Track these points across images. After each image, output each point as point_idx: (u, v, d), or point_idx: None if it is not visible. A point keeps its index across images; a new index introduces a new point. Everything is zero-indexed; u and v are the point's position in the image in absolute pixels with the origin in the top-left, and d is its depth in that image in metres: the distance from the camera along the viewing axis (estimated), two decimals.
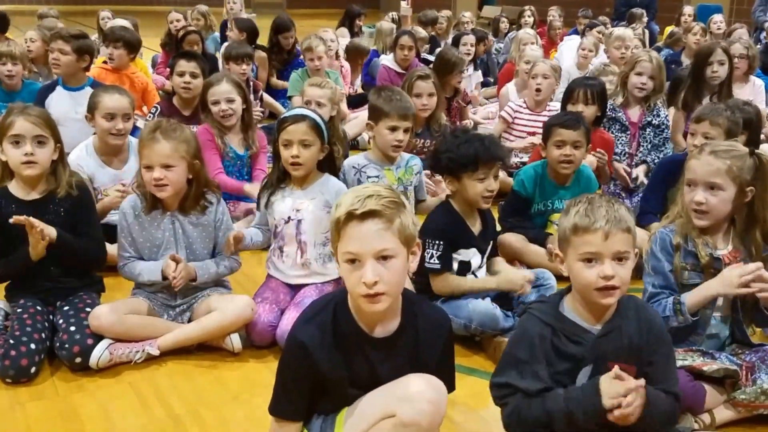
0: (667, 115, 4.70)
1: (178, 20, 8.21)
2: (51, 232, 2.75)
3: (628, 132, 4.66)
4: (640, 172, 4.57)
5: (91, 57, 4.83)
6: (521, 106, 5.27)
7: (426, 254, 2.87)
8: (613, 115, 4.66)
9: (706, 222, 2.53)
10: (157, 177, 2.78)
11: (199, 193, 2.93)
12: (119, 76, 5.49)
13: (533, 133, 5.08)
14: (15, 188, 2.84)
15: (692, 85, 4.81)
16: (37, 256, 2.78)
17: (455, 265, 2.98)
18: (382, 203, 1.82)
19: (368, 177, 3.54)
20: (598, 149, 4.14)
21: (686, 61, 7.14)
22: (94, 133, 3.67)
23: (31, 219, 2.67)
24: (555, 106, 5.27)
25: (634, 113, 4.67)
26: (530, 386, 1.95)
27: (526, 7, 9.96)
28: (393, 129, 3.53)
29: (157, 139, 2.79)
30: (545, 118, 5.10)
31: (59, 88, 4.71)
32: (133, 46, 5.61)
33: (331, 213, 2.92)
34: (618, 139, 4.64)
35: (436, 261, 2.92)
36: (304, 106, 4.22)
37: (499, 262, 3.17)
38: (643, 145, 4.66)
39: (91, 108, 3.58)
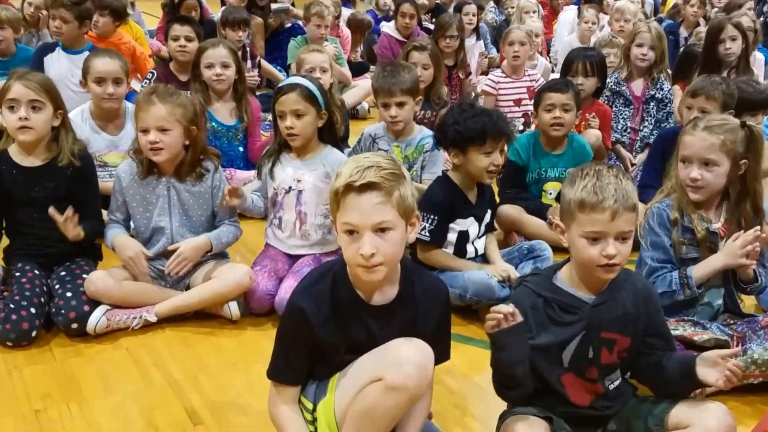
0: (670, 89, 4.66)
1: None
2: (79, 232, 2.81)
3: (632, 106, 4.64)
4: (641, 158, 4.53)
5: (90, 20, 4.78)
6: (500, 76, 5.26)
7: (419, 225, 2.87)
8: (617, 89, 4.64)
9: (702, 197, 2.54)
10: (153, 140, 2.77)
11: (196, 160, 2.92)
12: (105, 44, 5.36)
13: (519, 100, 5.14)
14: (15, 153, 2.84)
15: (705, 63, 4.74)
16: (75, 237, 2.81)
17: (454, 236, 3.00)
18: (381, 175, 1.81)
19: (379, 149, 3.58)
20: (588, 114, 4.20)
21: (684, 32, 7.09)
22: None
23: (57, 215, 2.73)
24: (532, 71, 5.34)
25: (638, 87, 4.65)
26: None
27: None
28: (384, 105, 3.56)
29: (153, 102, 2.79)
30: (526, 84, 5.20)
31: (59, 50, 4.65)
32: (119, 14, 5.45)
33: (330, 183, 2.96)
34: (621, 114, 4.63)
35: (427, 234, 2.95)
36: (305, 74, 4.19)
37: (490, 243, 3.15)
38: (647, 120, 4.63)
39: (84, 73, 3.57)
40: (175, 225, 2.95)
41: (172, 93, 2.86)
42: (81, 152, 2.89)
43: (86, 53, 4.40)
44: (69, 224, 2.77)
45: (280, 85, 3.07)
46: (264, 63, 6.47)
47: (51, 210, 2.73)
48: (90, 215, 2.91)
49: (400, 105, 3.52)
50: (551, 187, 3.70)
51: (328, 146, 3.07)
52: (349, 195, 1.82)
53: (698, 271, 2.50)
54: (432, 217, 2.93)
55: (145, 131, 2.79)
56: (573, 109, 3.63)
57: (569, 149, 3.72)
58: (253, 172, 3.91)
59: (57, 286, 2.80)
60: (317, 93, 2.97)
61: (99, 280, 2.79)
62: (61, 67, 4.53)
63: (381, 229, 1.82)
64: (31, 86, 2.73)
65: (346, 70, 6.44)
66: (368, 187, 1.80)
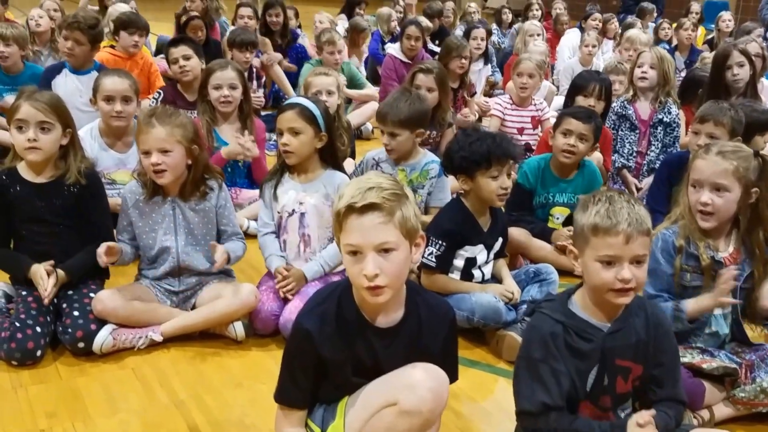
0: (678, 114, 4.67)
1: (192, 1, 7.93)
2: (61, 277, 2.81)
3: (638, 130, 4.65)
4: (647, 182, 4.50)
5: (99, 45, 4.84)
6: (507, 102, 5.28)
7: (425, 249, 2.87)
8: (623, 113, 4.66)
9: (711, 224, 2.51)
10: (155, 162, 2.78)
11: (199, 178, 2.93)
12: (133, 61, 5.48)
13: (521, 129, 5.16)
14: (24, 170, 2.85)
15: (712, 89, 4.76)
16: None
17: (461, 262, 3.00)
18: (382, 195, 1.81)
19: (383, 172, 3.53)
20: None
21: (680, 57, 7.15)
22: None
23: (47, 288, 2.74)
24: (538, 101, 5.34)
25: (644, 110, 4.65)
26: (556, 399, 1.92)
27: (534, 1, 9.89)
28: (381, 131, 3.59)
29: (153, 125, 2.80)
30: (531, 113, 5.23)
31: (65, 71, 4.66)
32: (148, 32, 5.67)
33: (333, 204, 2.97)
34: (627, 138, 4.65)
35: (433, 260, 2.94)
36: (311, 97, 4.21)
37: (501, 267, 3.15)
38: (654, 144, 4.63)
39: (94, 91, 3.61)
40: (180, 244, 2.95)
41: (171, 114, 2.87)
42: (88, 171, 2.89)
43: (93, 73, 4.46)
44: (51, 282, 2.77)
45: (282, 104, 3.09)
46: (277, 70, 6.51)
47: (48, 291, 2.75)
48: (98, 235, 2.91)
49: (392, 135, 3.50)
50: (558, 212, 3.71)
51: (329, 168, 3.08)
52: (350, 216, 1.82)
53: (691, 306, 2.48)
54: (440, 243, 2.93)
55: (147, 153, 2.80)
56: (590, 140, 3.61)
57: (579, 175, 3.70)
58: (257, 192, 3.92)
59: (64, 305, 2.80)
60: (317, 113, 2.98)
61: (106, 299, 2.79)
62: (67, 87, 4.53)
63: (384, 250, 1.82)
64: (40, 107, 2.74)
65: (368, 89, 6.45)
66: (370, 207, 1.81)
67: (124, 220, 2.97)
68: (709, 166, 2.49)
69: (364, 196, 1.81)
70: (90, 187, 2.88)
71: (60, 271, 2.81)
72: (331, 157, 3.10)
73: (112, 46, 5.66)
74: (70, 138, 2.84)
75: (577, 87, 4.42)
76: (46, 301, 2.74)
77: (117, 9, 6.55)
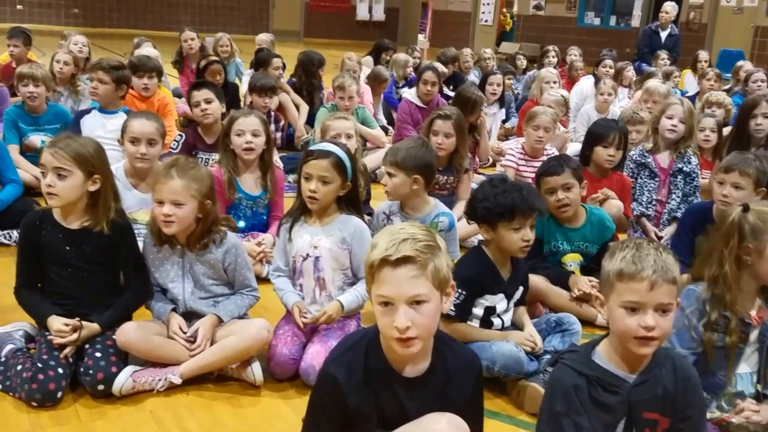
0: (698, 163, 4.68)
1: (192, 39, 8.14)
2: (94, 331, 2.82)
3: (657, 179, 4.66)
4: (669, 231, 4.53)
5: (127, 86, 4.99)
6: (520, 153, 5.29)
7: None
8: (642, 161, 4.66)
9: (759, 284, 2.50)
10: (166, 213, 2.81)
11: (205, 231, 2.93)
12: (149, 102, 5.62)
13: (533, 179, 5.10)
14: (57, 214, 2.88)
15: (735, 137, 4.78)
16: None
17: (480, 311, 2.98)
18: (416, 248, 1.82)
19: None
20: (600, 191, 4.24)
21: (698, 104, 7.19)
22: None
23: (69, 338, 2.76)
24: (551, 150, 5.35)
25: (664, 159, 4.67)
26: None
27: (550, 47, 9.97)
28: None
29: (171, 176, 2.83)
30: None
31: (94, 111, 4.93)
32: (161, 74, 5.85)
33: (348, 250, 2.96)
34: (646, 186, 4.64)
35: (453, 308, 2.90)
36: (330, 140, 4.24)
37: (522, 315, 3.11)
38: (674, 193, 4.63)
39: (122, 132, 3.69)
40: (187, 292, 2.97)
41: (191, 167, 2.90)
42: (117, 220, 2.89)
43: (120, 114, 4.63)
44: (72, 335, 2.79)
45: (312, 148, 3.11)
46: (291, 109, 6.62)
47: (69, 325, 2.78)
48: (128, 283, 2.97)
49: (389, 175, 3.48)
50: (570, 259, 3.69)
51: (344, 212, 3.08)
52: (384, 268, 1.83)
53: None
54: (460, 291, 2.90)
55: (161, 203, 2.83)
56: (575, 185, 3.59)
57: (587, 223, 3.67)
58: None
59: (86, 346, 2.80)
60: (347, 164, 3.00)
61: (131, 332, 2.82)
62: (94, 124, 4.76)
63: (416, 302, 1.82)
64: (57, 154, 2.77)
65: (378, 132, 6.54)
66: (404, 260, 1.81)
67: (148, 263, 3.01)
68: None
69: (399, 248, 1.81)
70: (118, 237, 2.89)
71: (94, 325, 2.83)
72: (349, 202, 3.10)
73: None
74: (101, 185, 2.85)
75: (597, 136, 4.39)
76: (62, 354, 2.74)
77: (140, 53, 6.68)
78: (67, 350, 2.76)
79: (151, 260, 2.97)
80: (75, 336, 2.76)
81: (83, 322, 2.79)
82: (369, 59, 9.60)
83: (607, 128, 4.39)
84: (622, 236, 3.98)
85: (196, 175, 2.86)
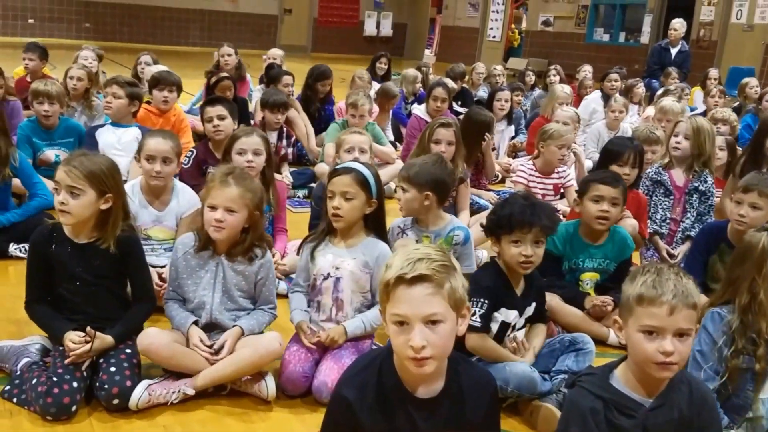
0: (713, 183, 4.66)
1: (229, 54, 8.22)
2: (108, 343, 2.85)
3: (672, 197, 4.64)
4: (682, 250, 4.52)
5: (140, 103, 5.07)
6: (531, 169, 5.30)
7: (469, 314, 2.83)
8: (658, 178, 4.65)
9: None
10: (218, 218, 2.86)
11: (252, 244, 2.98)
12: (165, 117, 5.69)
13: (543, 196, 5.17)
14: (68, 229, 2.90)
15: (751, 155, 4.77)
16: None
17: (496, 326, 2.96)
18: (432, 267, 1.82)
19: (407, 238, 3.51)
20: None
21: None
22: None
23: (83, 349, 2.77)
24: (562, 168, 5.36)
25: (679, 177, 4.65)
26: None
27: (552, 67, 10.01)
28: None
29: (228, 183, 2.90)
30: (554, 181, 5.26)
31: (108, 125, 5.06)
32: (181, 89, 5.94)
33: (370, 274, 2.98)
34: (660, 204, 4.63)
35: (478, 319, 2.86)
36: (338, 156, 4.27)
37: (539, 335, 3.10)
38: (689, 212, 4.61)
39: (138, 149, 3.73)
40: (216, 301, 2.99)
41: (245, 177, 2.99)
42: (125, 236, 2.92)
43: (132, 128, 4.70)
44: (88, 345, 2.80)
45: (337, 167, 3.13)
46: (313, 145, 6.66)
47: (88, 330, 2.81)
48: (138, 296, 3.01)
49: (402, 189, 3.49)
50: (588, 278, 3.68)
51: (371, 236, 3.08)
52: (399, 287, 1.83)
53: None
54: (482, 301, 2.86)
55: (214, 208, 2.88)
56: (620, 204, 3.60)
57: (610, 241, 3.67)
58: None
59: (101, 360, 2.82)
60: (371, 180, 3.00)
61: (154, 336, 2.86)
62: (109, 138, 4.92)
63: (431, 322, 1.82)
64: (71, 173, 2.80)
65: (388, 149, 6.58)
66: (419, 279, 1.81)
67: (173, 272, 3.04)
68: None
69: (414, 267, 1.81)
70: (126, 250, 2.93)
71: (107, 337, 2.85)
72: (375, 223, 3.10)
73: (149, 102, 5.84)
74: (112, 204, 2.88)
75: (612, 154, 4.37)
76: (68, 360, 2.76)
77: (151, 70, 6.74)
78: (84, 365, 2.78)
79: (184, 267, 3.00)
80: (88, 347, 2.77)
81: (97, 333, 2.81)
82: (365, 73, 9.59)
83: (622, 146, 4.37)
84: (635, 254, 3.97)
85: (251, 185, 2.95)
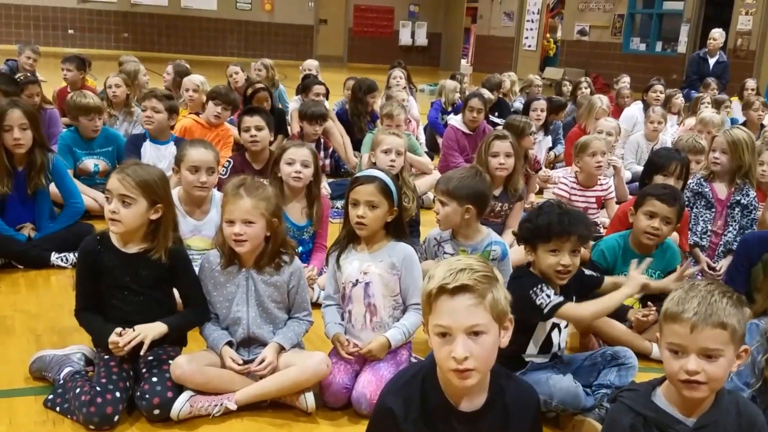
0: (756, 197, 4.60)
1: (236, 73, 8.36)
2: (160, 329, 2.89)
3: (714, 209, 4.58)
4: (724, 264, 4.45)
5: (177, 116, 5.13)
6: (572, 182, 5.23)
7: (539, 302, 2.77)
8: (700, 190, 4.60)
9: None
10: (238, 232, 2.85)
11: (276, 251, 2.98)
12: (217, 132, 5.80)
13: (586, 209, 5.05)
14: (115, 238, 2.93)
15: None
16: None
17: (548, 325, 2.90)
18: (474, 278, 1.81)
19: (444, 253, 3.48)
20: None
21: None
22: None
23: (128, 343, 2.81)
24: (604, 180, 5.27)
25: (721, 190, 4.59)
26: None
27: (583, 78, 9.91)
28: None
29: (240, 195, 2.88)
30: (597, 193, 5.18)
31: (148, 141, 5.10)
32: (236, 109, 6.10)
33: (398, 276, 2.97)
34: (701, 216, 4.57)
35: (554, 297, 2.80)
36: (373, 165, 4.27)
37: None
38: (731, 225, 4.55)
39: (178, 160, 3.74)
40: (251, 315, 2.99)
41: (258, 186, 2.96)
42: (175, 249, 2.95)
43: (170, 144, 4.81)
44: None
45: (358, 175, 3.14)
46: (338, 137, 6.67)
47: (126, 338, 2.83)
48: (193, 304, 3.03)
49: (441, 203, 3.46)
50: None
51: (393, 239, 3.09)
52: (441, 297, 1.82)
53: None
54: (540, 285, 2.80)
55: (231, 223, 2.87)
56: (673, 222, 3.55)
57: (660, 253, 3.62)
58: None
59: (144, 370, 2.84)
60: (393, 189, 3.02)
61: (185, 364, 2.83)
62: (153, 154, 4.98)
63: (474, 333, 1.81)
64: (124, 182, 2.82)
65: (425, 159, 6.58)
66: (461, 289, 1.81)
67: (204, 288, 3.03)
68: None
69: (456, 277, 1.81)
70: (176, 263, 2.95)
71: (162, 325, 2.89)
72: (396, 228, 3.11)
73: (197, 113, 5.92)
74: (162, 214, 2.91)
75: (657, 166, 4.34)
76: (119, 347, 2.80)
77: (191, 80, 6.74)
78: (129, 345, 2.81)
79: (213, 284, 3.00)
80: (137, 334, 2.81)
81: (150, 325, 2.86)
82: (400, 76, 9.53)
83: (668, 158, 4.33)
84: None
85: (263, 194, 2.93)
